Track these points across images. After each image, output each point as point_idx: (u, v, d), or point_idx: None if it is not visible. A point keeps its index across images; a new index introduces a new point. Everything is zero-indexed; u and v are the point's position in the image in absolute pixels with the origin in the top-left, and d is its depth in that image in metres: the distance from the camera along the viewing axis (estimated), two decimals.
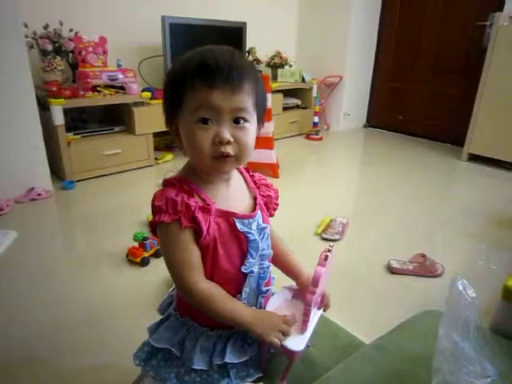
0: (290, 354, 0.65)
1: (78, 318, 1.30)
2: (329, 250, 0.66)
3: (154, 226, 0.66)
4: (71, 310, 1.34)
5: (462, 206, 2.39)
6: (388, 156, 3.36)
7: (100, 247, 1.75)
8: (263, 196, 0.76)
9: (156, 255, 1.65)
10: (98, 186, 2.45)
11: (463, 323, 0.52)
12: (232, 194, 0.71)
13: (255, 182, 0.77)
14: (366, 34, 3.97)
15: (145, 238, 1.64)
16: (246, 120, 0.63)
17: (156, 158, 2.88)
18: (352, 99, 4.13)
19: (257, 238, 0.70)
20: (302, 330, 0.67)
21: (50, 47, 2.38)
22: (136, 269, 1.58)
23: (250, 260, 0.69)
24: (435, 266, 1.60)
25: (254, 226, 0.70)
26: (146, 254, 1.61)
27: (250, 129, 0.64)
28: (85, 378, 1.07)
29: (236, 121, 0.62)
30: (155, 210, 0.63)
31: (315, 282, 0.64)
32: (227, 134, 0.61)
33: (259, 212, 0.73)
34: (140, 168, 2.76)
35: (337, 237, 1.84)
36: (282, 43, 3.84)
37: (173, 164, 2.87)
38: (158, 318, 0.77)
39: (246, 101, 0.62)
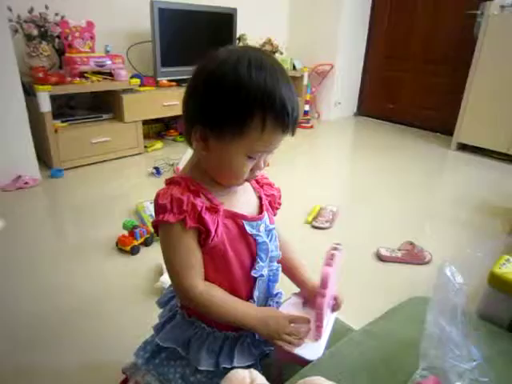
0: (306, 364, 0.59)
1: (66, 306, 1.29)
2: (335, 249, 0.63)
3: (157, 226, 0.64)
4: (60, 299, 1.33)
5: (451, 194, 2.42)
6: (378, 145, 3.37)
7: (89, 236, 1.73)
8: (267, 195, 0.75)
9: (146, 244, 1.64)
10: (86, 175, 2.42)
11: (451, 309, 0.52)
12: (239, 195, 0.69)
13: (258, 182, 0.76)
14: (357, 23, 3.94)
15: (134, 227, 1.63)
16: None
17: (145, 146, 2.84)
18: (343, 88, 4.11)
19: (266, 240, 0.69)
20: (317, 337, 0.64)
21: (35, 32, 2.31)
22: (126, 257, 1.57)
23: (260, 264, 0.68)
24: (423, 254, 1.62)
25: (262, 228, 0.69)
26: (135, 243, 1.60)
27: None
28: (73, 366, 1.07)
29: None
30: (159, 208, 0.60)
31: (324, 283, 0.61)
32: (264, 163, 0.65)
33: (266, 213, 0.72)
34: (129, 156, 2.72)
35: (327, 225, 1.85)
36: (273, 30, 3.79)
37: (162, 152, 2.84)
38: (152, 307, 0.76)
39: None
